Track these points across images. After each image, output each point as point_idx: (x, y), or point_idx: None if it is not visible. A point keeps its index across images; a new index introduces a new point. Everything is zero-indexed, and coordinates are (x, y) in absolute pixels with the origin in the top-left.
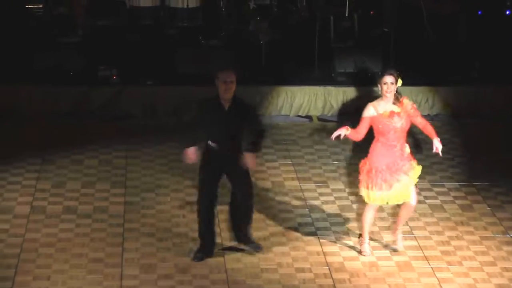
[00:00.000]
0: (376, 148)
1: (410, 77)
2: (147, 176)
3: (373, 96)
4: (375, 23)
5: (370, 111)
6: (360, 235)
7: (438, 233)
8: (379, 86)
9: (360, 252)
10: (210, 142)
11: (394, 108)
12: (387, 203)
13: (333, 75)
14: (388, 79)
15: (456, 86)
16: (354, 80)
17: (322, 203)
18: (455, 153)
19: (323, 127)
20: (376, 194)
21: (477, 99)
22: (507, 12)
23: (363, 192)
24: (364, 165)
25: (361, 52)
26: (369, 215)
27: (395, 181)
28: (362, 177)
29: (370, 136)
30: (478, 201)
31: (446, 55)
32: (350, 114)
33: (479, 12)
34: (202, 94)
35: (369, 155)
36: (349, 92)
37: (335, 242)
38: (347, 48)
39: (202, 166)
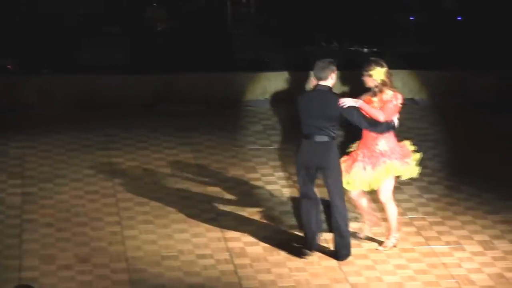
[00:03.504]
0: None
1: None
2: (45, 166)
3: (267, 80)
4: (272, 9)
5: None
6: None
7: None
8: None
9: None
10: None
11: None
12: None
13: (231, 61)
14: None
15: None
16: (252, 66)
17: (222, 189)
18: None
19: (222, 114)
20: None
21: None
22: None
23: None
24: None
25: (259, 37)
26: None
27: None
28: None
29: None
30: None
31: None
32: (250, 99)
33: None
34: (103, 83)
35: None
36: (248, 78)
37: (236, 227)
38: (245, 34)
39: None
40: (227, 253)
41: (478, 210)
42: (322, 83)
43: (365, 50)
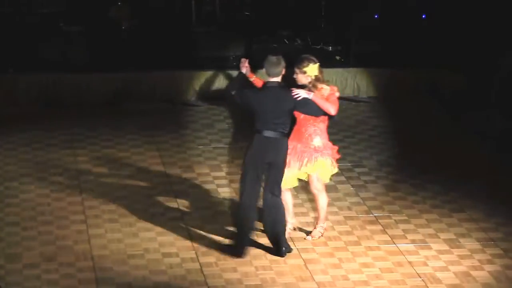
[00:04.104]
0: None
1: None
2: (10, 165)
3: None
4: (236, 7)
5: None
6: None
7: (303, 214)
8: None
9: None
10: None
11: None
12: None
13: (195, 59)
14: None
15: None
16: (216, 64)
17: (188, 187)
18: None
19: (186, 112)
20: None
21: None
22: None
23: None
24: None
25: (223, 36)
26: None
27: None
28: None
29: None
30: (341, 181)
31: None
32: (213, 98)
33: None
34: (66, 81)
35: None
36: (211, 76)
37: (201, 226)
38: (209, 32)
39: None
40: (193, 251)
41: (443, 208)
42: (273, 79)
43: (330, 48)
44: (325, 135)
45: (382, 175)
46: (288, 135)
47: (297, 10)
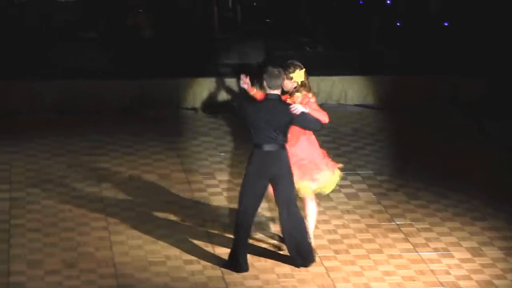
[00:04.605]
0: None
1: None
2: (31, 171)
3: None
4: (257, 15)
5: None
6: None
7: (325, 222)
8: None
9: None
10: None
11: None
12: None
13: (216, 66)
14: None
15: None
16: (237, 71)
17: (209, 194)
18: (340, 142)
19: (207, 119)
20: None
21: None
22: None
23: None
24: None
25: (244, 43)
26: None
27: None
28: None
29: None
30: (363, 189)
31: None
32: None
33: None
34: (85, 88)
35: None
36: (233, 84)
37: (222, 233)
38: (230, 39)
39: None
40: (214, 258)
41: (465, 216)
42: (273, 91)
43: (350, 55)
44: (311, 145)
45: (404, 183)
46: (284, 146)
47: (316, 17)
